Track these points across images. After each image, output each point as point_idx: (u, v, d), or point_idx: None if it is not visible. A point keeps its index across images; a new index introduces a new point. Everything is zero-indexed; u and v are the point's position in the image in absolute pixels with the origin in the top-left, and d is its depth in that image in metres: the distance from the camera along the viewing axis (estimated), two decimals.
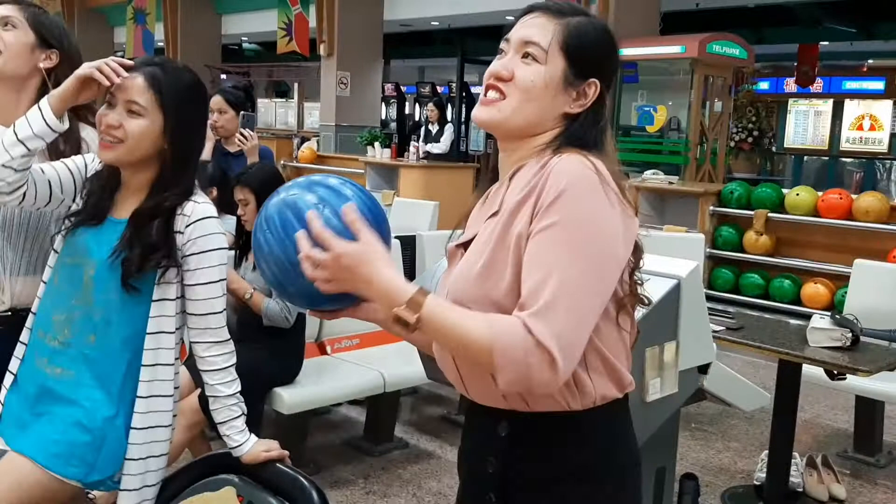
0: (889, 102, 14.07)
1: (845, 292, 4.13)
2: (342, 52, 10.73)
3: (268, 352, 3.23)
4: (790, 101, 15.13)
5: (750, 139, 12.01)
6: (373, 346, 3.91)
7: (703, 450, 3.91)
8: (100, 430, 1.73)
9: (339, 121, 10.85)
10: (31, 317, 1.87)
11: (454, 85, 15.64)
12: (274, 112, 14.52)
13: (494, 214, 1.30)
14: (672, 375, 2.13)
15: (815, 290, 6.19)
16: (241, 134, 4.05)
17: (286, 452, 1.83)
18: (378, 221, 1.34)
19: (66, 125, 1.80)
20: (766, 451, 3.33)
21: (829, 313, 3.09)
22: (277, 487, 1.74)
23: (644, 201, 7.14)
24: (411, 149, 9.55)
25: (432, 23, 13.25)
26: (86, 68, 1.74)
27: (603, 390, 1.29)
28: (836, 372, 2.96)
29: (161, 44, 13.73)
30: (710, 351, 2.37)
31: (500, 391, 1.26)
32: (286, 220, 1.31)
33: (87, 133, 2.05)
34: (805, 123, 15.21)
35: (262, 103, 14.95)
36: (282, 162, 9.96)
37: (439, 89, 15.39)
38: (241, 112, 4.10)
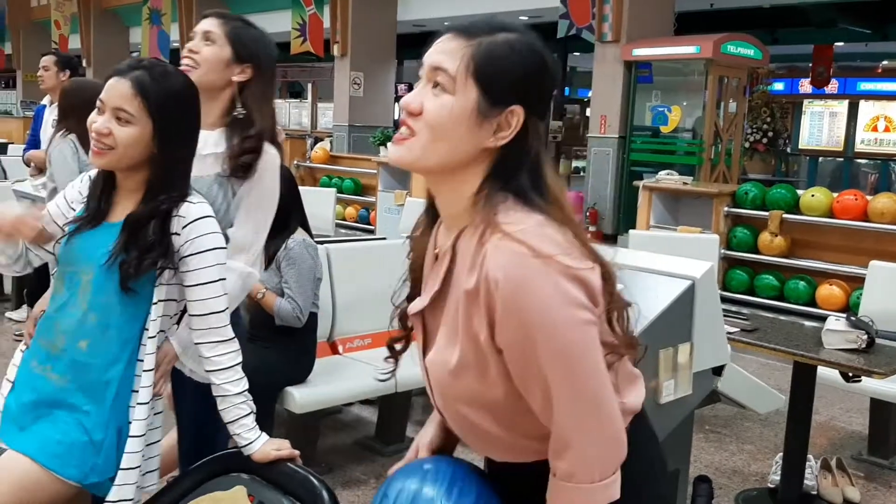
0: None
1: (860, 294, 4.09)
2: (355, 53, 10.74)
3: (280, 351, 3.23)
4: (805, 102, 15.06)
5: (765, 140, 11.93)
6: (385, 345, 3.90)
7: (717, 452, 3.88)
8: (98, 435, 1.73)
9: (352, 121, 10.87)
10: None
11: None
12: (288, 112, 14.55)
13: (445, 288, 1.23)
14: (686, 377, 2.12)
15: (830, 291, 6.14)
16: None
17: (297, 452, 1.83)
18: None
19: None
20: (781, 454, 3.30)
21: (844, 315, 3.07)
22: (288, 487, 1.74)
23: (658, 202, 7.11)
24: None
25: (445, 23, 13.11)
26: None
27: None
28: (851, 374, 2.93)
29: (176, 44, 13.78)
30: (724, 352, 2.35)
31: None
32: None
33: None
34: (820, 124, 15.13)
35: (277, 103, 14.97)
36: (295, 162, 9.98)
37: None
38: None
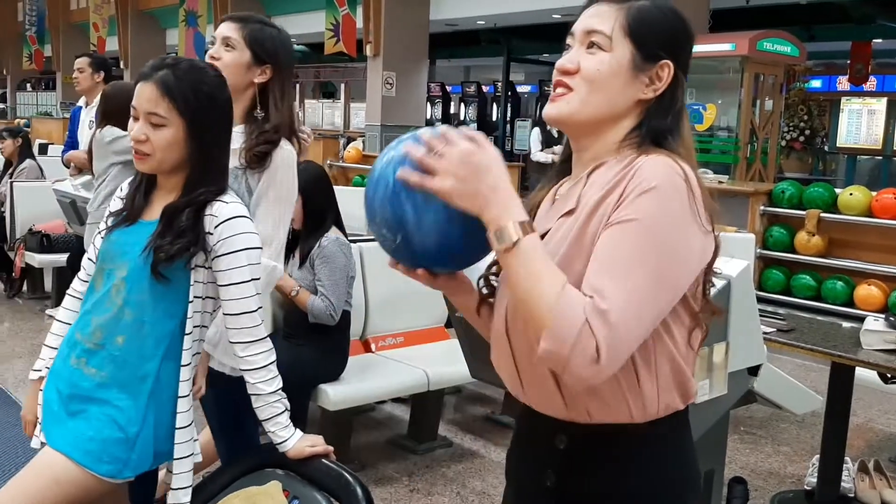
0: None
1: None
2: (388, 53, 10.77)
3: (313, 349, 3.25)
4: (843, 99, 14.80)
5: (801, 138, 11.76)
6: (417, 344, 3.92)
7: (753, 454, 3.84)
8: (133, 430, 1.75)
9: (384, 121, 10.89)
10: (69, 298, 1.95)
11: (500, 84, 15.59)
12: (321, 113, 14.63)
13: (570, 213, 1.26)
14: (721, 377, 2.10)
15: (868, 291, 6.02)
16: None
17: (331, 448, 1.84)
18: None
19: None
20: (818, 456, 3.25)
21: (883, 315, 3.02)
22: (322, 483, 1.75)
23: None
24: None
25: (478, 22, 13.23)
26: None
27: (667, 399, 1.25)
28: (889, 375, 2.88)
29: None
30: (760, 352, 2.32)
31: (559, 397, 1.23)
32: (386, 172, 1.22)
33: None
34: (858, 122, 14.86)
35: (310, 104, 15.06)
36: (328, 162, 10.03)
37: (485, 89, 15.36)
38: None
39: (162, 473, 2.17)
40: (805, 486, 3.36)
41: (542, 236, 1.27)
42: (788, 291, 6.52)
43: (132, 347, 1.77)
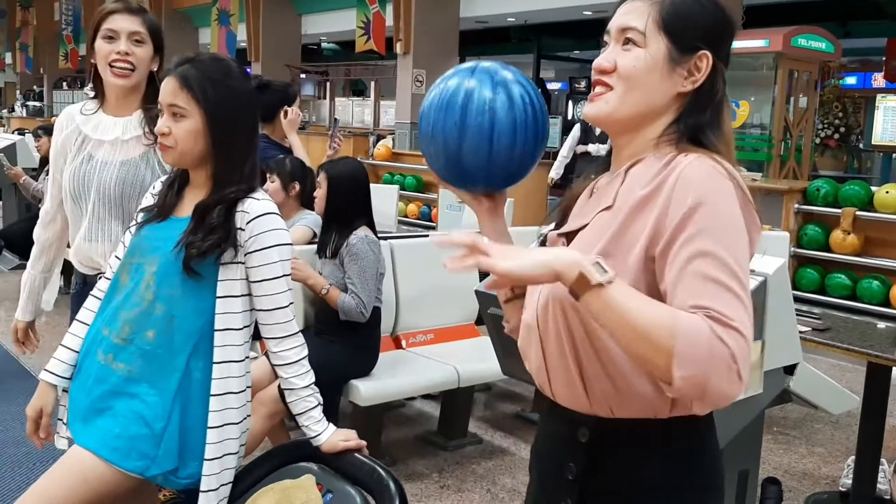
0: None
1: None
2: (418, 50, 10.78)
3: (344, 345, 3.27)
4: (878, 96, 14.54)
5: (836, 136, 11.60)
6: (447, 341, 3.93)
7: (787, 454, 3.80)
8: (159, 425, 1.75)
9: (414, 118, 10.89)
10: (91, 299, 1.95)
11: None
12: (351, 110, 14.67)
13: (608, 208, 1.25)
14: (757, 376, 2.07)
15: None
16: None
17: (364, 442, 1.85)
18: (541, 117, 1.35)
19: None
20: (853, 457, 3.21)
21: None
22: (356, 477, 1.76)
23: None
24: None
25: (508, 19, 13.21)
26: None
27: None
28: None
29: (243, 44, 14.04)
30: (796, 351, 2.29)
31: (642, 394, 1.20)
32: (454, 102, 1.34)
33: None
34: (894, 119, 14.59)
35: (340, 102, 15.13)
36: (358, 159, 10.07)
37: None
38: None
39: None
40: (840, 488, 3.32)
41: (579, 231, 1.29)
42: (823, 290, 6.42)
43: (162, 342, 1.78)
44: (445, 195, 9.17)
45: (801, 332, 2.69)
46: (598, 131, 7.55)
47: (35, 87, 21.85)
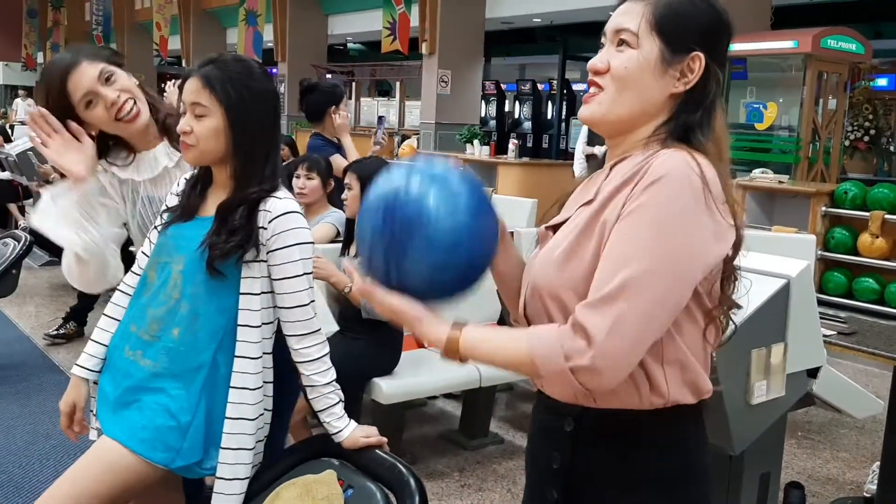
0: None
1: None
2: (444, 51, 10.80)
3: (367, 343, 3.29)
4: None
5: (866, 138, 11.44)
6: None
7: (810, 458, 3.77)
8: (185, 418, 1.79)
9: (439, 119, 10.92)
10: (119, 294, 1.97)
11: (555, 82, 15.50)
12: (376, 110, 14.74)
13: (589, 202, 1.27)
14: (779, 378, 2.06)
15: None
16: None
17: (385, 439, 1.86)
18: (479, 217, 1.29)
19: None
20: (878, 463, 3.17)
21: None
22: (377, 473, 1.77)
23: (752, 201, 6.91)
24: (510, 146, 9.59)
25: (534, 20, 13.19)
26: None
27: (677, 395, 1.25)
28: None
29: (270, 44, 14.14)
30: (820, 354, 2.28)
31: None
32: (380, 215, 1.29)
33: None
34: None
35: (365, 102, 15.21)
36: (383, 157, 10.11)
37: (540, 87, 15.29)
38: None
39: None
40: (864, 494, 3.28)
41: (561, 224, 1.32)
42: (850, 294, 6.36)
43: (187, 339, 1.81)
44: None
45: (826, 335, 2.67)
46: None
47: None
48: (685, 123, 1.25)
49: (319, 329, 1.88)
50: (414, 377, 3.45)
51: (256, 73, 1.85)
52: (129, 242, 2.24)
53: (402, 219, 1.24)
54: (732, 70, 8.66)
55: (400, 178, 1.28)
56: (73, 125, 1.97)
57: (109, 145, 2.13)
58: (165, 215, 1.93)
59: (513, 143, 9.67)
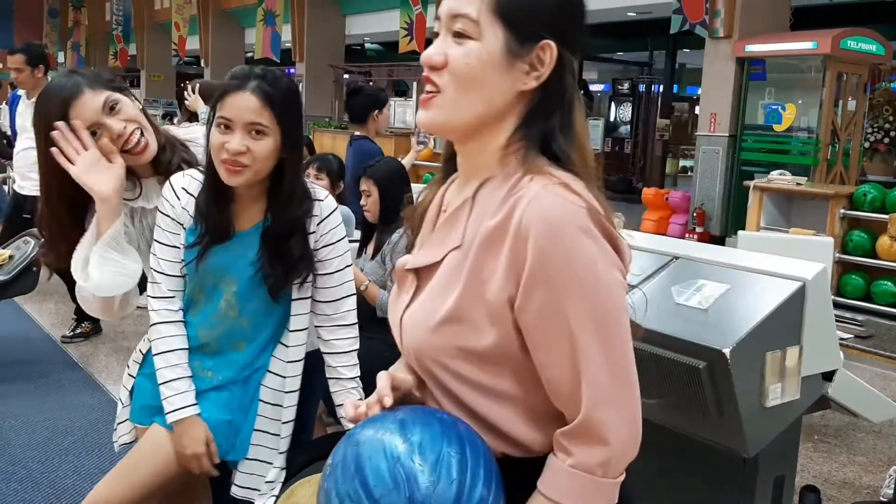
0: None
1: None
2: None
3: (381, 341, 3.29)
4: None
5: (886, 140, 11.33)
6: None
7: (826, 462, 3.74)
8: (241, 416, 1.85)
9: None
10: (165, 326, 1.85)
11: None
12: (393, 111, 14.78)
13: (458, 248, 1.11)
14: (794, 381, 2.06)
15: None
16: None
17: None
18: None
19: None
20: (895, 467, 3.16)
21: None
22: None
23: (769, 203, 6.88)
24: None
25: None
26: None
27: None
28: None
29: (288, 44, 14.20)
30: (836, 358, 2.27)
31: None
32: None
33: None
34: None
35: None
36: (399, 159, 10.13)
37: None
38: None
39: None
40: (881, 498, 3.26)
41: (431, 267, 1.15)
42: (869, 297, 6.32)
43: (249, 349, 1.85)
44: None
45: (842, 339, 2.66)
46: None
47: None
48: (543, 130, 1.09)
49: (355, 323, 1.91)
50: None
51: (294, 84, 1.83)
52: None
53: None
54: (752, 71, 8.63)
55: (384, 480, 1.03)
56: (105, 143, 1.81)
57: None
58: (188, 237, 1.82)
59: None
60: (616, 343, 1.04)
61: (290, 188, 1.79)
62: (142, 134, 1.88)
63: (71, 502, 3.01)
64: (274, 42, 13.93)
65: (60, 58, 22.81)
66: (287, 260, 1.79)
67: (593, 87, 16.18)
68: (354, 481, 1.05)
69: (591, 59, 15.21)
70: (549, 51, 1.07)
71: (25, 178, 4.96)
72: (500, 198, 1.06)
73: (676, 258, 2.27)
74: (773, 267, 2.13)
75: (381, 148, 4.41)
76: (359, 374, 1.90)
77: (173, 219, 1.83)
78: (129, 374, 2.00)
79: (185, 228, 1.82)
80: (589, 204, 1.03)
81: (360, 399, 1.88)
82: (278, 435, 1.87)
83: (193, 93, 4.70)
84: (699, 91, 10.15)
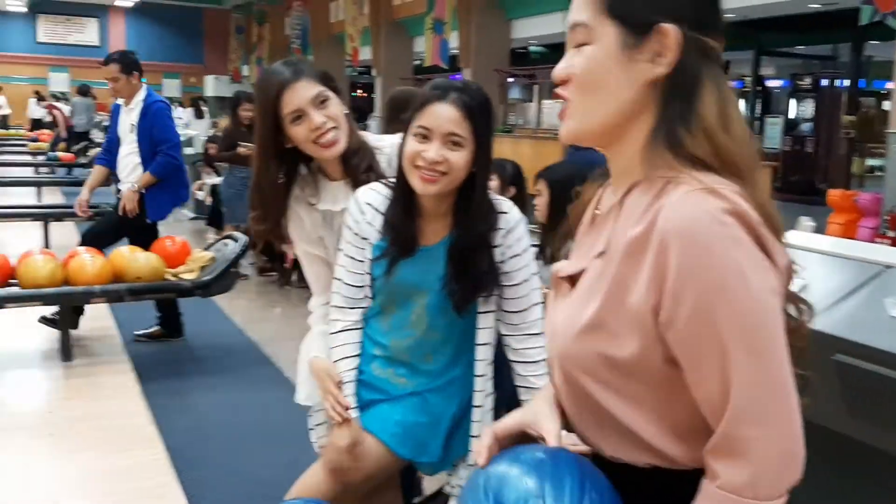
0: None
1: None
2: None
3: None
4: None
5: None
6: None
7: None
8: (435, 420, 1.90)
9: None
10: (344, 347, 1.96)
11: (748, 79, 14.84)
12: (556, 113, 14.71)
13: (602, 254, 1.09)
14: None
15: None
16: None
17: (588, 448, 1.88)
18: None
19: None
20: None
21: None
22: None
23: None
24: None
25: (727, 15, 12.64)
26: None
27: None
28: None
29: (455, 51, 14.45)
30: None
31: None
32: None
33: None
34: None
35: (547, 104, 15.19)
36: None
37: (732, 84, 14.71)
38: None
39: None
40: None
41: (579, 275, 1.14)
42: None
43: (437, 361, 1.91)
44: None
45: None
46: None
47: None
48: (665, 122, 1.04)
49: (543, 332, 1.91)
50: None
51: (490, 102, 1.84)
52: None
53: None
54: None
55: None
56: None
57: (299, 173, 2.10)
58: (375, 250, 1.88)
59: None
60: (767, 354, 0.98)
61: (478, 203, 1.82)
62: (336, 132, 1.99)
63: (268, 493, 3.19)
64: (443, 49, 14.20)
65: (245, 71, 24.30)
66: (473, 275, 1.82)
67: (771, 83, 15.41)
68: None
69: (768, 54, 14.50)
70: (668, 34, 1.02)
71: (125, 184, 5.05)
72: (645, 204, 1.03)
73: (889, 267, 2.13)
74: None
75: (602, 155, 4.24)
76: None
77: (357, 233, 1.90)
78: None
79: (370, 243, 1.88)
80: (735, 208, 0.97)
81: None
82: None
83: None
84: (887, 85, 9.43)
